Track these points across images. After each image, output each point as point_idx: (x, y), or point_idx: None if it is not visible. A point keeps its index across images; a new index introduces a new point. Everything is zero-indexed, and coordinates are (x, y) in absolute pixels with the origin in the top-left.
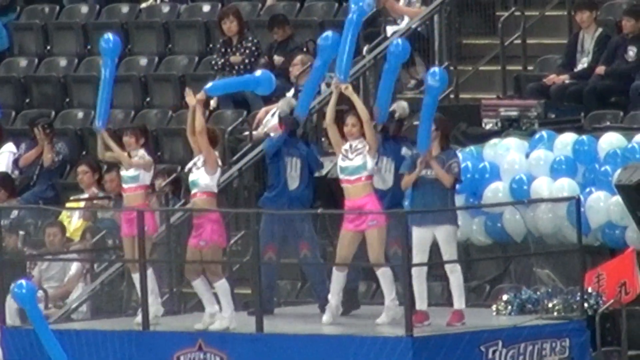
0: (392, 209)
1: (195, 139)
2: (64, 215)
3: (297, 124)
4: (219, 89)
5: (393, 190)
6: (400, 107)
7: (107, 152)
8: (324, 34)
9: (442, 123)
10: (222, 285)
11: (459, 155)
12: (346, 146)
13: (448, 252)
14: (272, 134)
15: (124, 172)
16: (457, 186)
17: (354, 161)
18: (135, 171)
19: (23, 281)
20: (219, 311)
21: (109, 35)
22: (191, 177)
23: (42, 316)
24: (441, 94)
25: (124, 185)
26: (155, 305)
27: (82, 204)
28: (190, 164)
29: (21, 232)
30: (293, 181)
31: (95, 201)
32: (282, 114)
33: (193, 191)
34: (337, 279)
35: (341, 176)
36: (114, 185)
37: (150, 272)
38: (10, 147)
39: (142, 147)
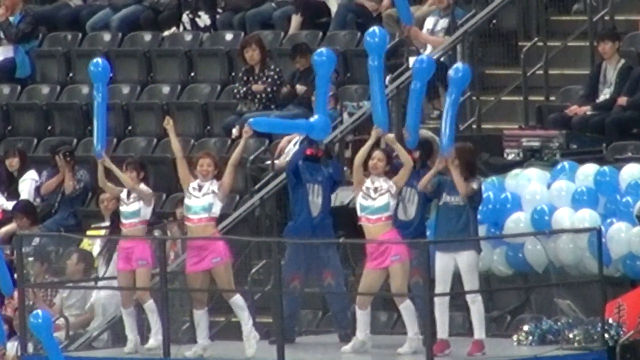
0: (415, 237)
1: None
2: (85, 243)
3: (316, 142)
4: (264, 126)
5: (417, 220)
6: (430, 137)
7: (109, 183)
8: (318, 51)
9: (463, 153)
10: (238, 301)
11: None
12: (368, 184)
13: (470, 281)
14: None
15: (124, 208)
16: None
17: (377, 201)
18: (137, 206)
19: (39, 311)
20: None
21: (98, 60)
22: (197, 202)
23: (57, 346)
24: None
25: (124, 221)
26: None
27: (102, 232)
28: (190, 188)
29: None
30: (314, 207)
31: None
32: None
33: (200, 216)
34: (361, 317)
35: (361, 214)
36: (111, 205)
37: (150, 304)
38: (32, 174)
39: (142, 182)
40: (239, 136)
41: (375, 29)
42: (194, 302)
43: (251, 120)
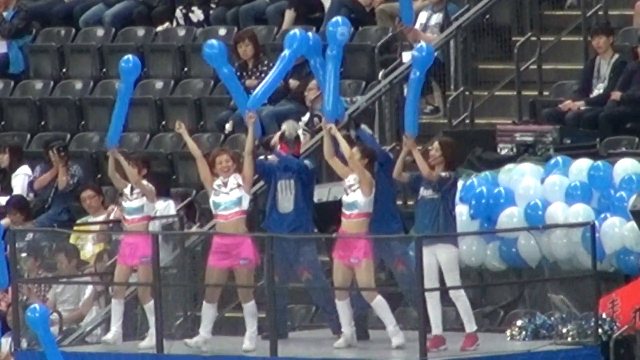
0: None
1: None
2: (73, 238)
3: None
4: (261, 98)
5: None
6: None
7: (117, 173)
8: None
9: (446, 147)
10: (252, 307)
11: (474, 181)
12: (350, 180)
13: (451, 277)
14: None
15: (127, 204)
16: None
17: (349, 197)
18: (139, 202)
19: (36, 305)
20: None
21: (129, 57)
22: (226, 198)
23: (53, 341)
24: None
25: (127, 217)
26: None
27: (97, 227)
28: (215, 185)
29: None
30: (287, 203)
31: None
32: (289, 137)
33: (232, 211)
34: (342, 309)
35: (342, 209)
36: (93, 202)
37: (151, 305)
38: (25, 169)
39: (144, 179)
40: (233, 131)
41: (338, 18)
42: (207, 294)
43: (248, 105)
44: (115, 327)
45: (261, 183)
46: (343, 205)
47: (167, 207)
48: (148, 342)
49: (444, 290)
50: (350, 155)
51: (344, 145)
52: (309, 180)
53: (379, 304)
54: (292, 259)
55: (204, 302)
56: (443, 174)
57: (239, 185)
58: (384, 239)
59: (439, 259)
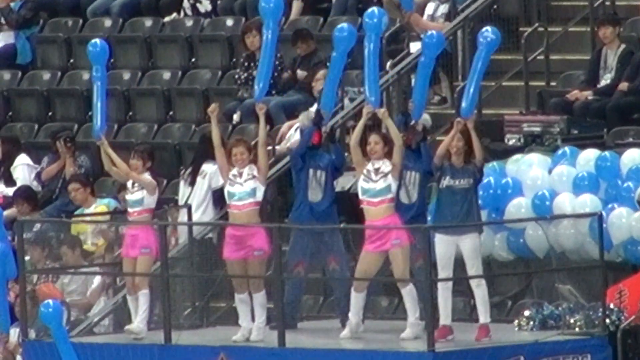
0: (416, 220)
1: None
2: (74, 229)
3: (322, 119)
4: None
5: (418, 203)
6: (423, 119)
7: (114, 168)
8: (339, 25)
9: (467, 137)
10: (262, 297)
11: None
12: (369, 167)
13: (474, 265)
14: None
15: (128, 196)
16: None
17: (378, 184)
18: (140, 195)
19: (50, 301)
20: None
21: (97, 41)
22: (241, 189)
23: (66, 336)
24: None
25: (129, 210)
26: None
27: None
28: (231, 175)
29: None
30: (315, 193)
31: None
32: (302, 127)
33: (245, 202)
34: (357, 299)
35: (362, 197)
36: (78, 195)
37: (145, 292)
38: (23, 159)
39: (147, 171)
40: (240, 121)
41: (374, 9)
42: (235, 287)
43: (256, 97)
44: (141, 317)
45: (270, 173)
46: (367, 194)
47: (216, 170)
48: (136, 327)
49: (454, 280)
50: (400, 143)
51: (395, 131)
52: (337, 172)
53: (410, 293)
54: (315, 248)
55: (235, 294)
56: (478, 163)
57: (253, 177)
58: (395, 229)
59: (462, 248)
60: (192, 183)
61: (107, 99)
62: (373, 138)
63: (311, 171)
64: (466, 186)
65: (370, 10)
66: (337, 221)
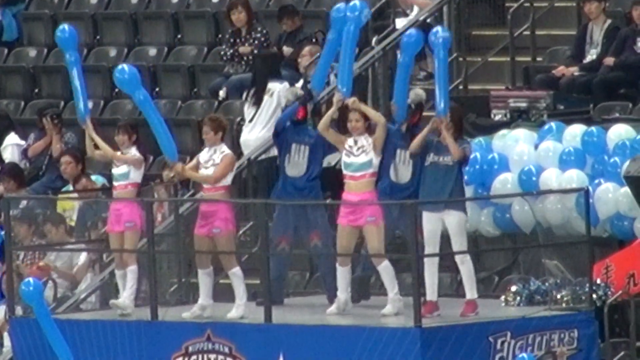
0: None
1: None
2: (60, 206)
3: (311, 97)
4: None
5: (413, 183)
6: (414, 94)
7: (97, 150)
8: (337, 6)
9: (454, 112)
10: (237, 273)
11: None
12: (350, 142)
13: (458, 242)
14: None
15: (114, 169)
16: (465, 169)
17: (359, 158)
18: (126, 168)
19: (30, 279)
20: (210, 305)
21: (64, 26)
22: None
23: (48, 313)
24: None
25: (114, 183)
26: (127, 301)
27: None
28: (206, 157)
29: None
30: (297, 168)
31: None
32: (288, 103)
33: (209, 186)
34: (342, 274)
35: (345, 171)
36: (69, 168)
37: (134, 268)
38: (13, 138)
39: (134, 144)
40: (226, 98)
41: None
42: (197, 262)
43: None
44: (129, 292)
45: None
46: (349, 168)
47: (283, 87)
48: (124, 301)
49: (437, 256)
50: (383, 121)
51: (373, 113)
52: (322, 147)
53: (386, 269)
54: (298, 223)
55: (198, 270)
56: (467, 150)
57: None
58: (384, 204)
59: (447, 224)
60: (258, 102)
61: (85, 82)
62: (353, 115)
63: (294, 146)
64: (450, 163)
65: (352, 2)
66: (320, 196)
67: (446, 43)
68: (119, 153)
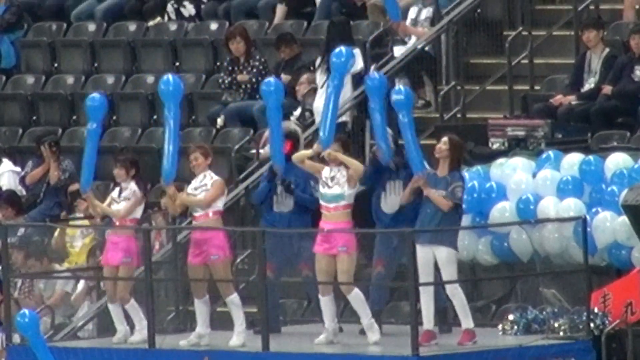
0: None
1: None
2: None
3: (275, 174)
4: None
5: (407, 213)
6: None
7: (98, 209)
8: (266, 80)
9: (454, 144)
10: (234, 300)
11: (466, 176)
12: (326, 172)
13: (448, 274)
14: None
15: (114, 206)
16: (462, 209)
17: (332, 190)
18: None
19: (26, 310)
20: (207, 333)
21: (96, 95)
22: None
23: (45, 344)
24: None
25: (115, 219)
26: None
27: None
28: (196, 184)
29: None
30: (285, 204)
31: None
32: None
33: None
34: (326, 304)
35: (321, 201)
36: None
37: (133, 303)
38: (7, 165)
39: (132, 179)
40: (224, 125)
41: (342, 49)
42: (193, 291)
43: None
44: (121, 327)
45: (253, 177)
46: (323, 198)
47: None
48: (139, 337)
49: (436, 285)
50: (360, 170)
51: (351, 162)
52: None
53: (356, 297)
54: (289, 253)
55: (195, 299)
56: (459, 194)
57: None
58: (372, 233)
59: (437, 257)
60: (330, 69)
61: (97, 156)
62: (332, 147)
63: (279, 187)
64: (443, 195)
65: (338, 49)
66: (309, 226)
67: (408, 101)
68: (121, 208)
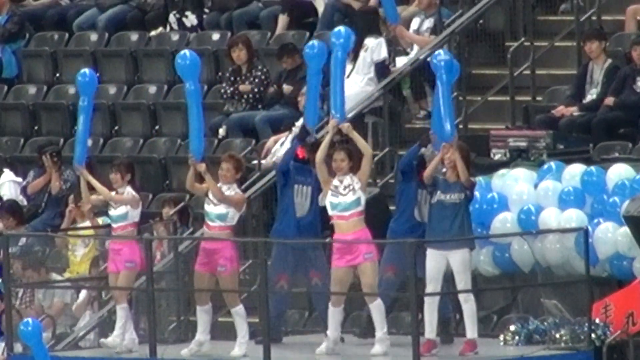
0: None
1: None
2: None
3: (308, 134)
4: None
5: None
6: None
7: (92, 195)
8: (310, 43)
9: (461, 150)
10: (239, 311)
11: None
12: (335, 182)
13: (462, 280)
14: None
15: (112, 212)
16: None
17: (347, 197)
18: (124, 209)
19: (29, 319)
20: (207, 341)
21: (86, 70)
22: (217, 210)
23: (46, 353)
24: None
25: (113, 225)
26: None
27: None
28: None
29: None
30: (301, 209)
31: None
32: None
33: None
34: (334, 314)
35: (332, 212)
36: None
37: (124, 306)
38: (8, 176)
39: (128, 184)
40: (226, 136)
41: (341, 28)
42: (196, 299)
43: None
44: (118, 331)
45: (255, 188)
46: (337, 208)
47: (378, 43)
48: (113, 340)
49: (437, 295)
50: (370, 153)
51: (362, 142)
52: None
53: (378, 308)
54: (298, 262)
55: (197, 307)
56: (472, 178)
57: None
58: (383, 243)
59: (451, 263)
60: (355, 58)
61: (90, 129)
62: (338, 155)
63: (296, 187)
64: (456, 201)
65: (337, 29)
66: (320, 236)
67: (448, 66)
68: (114, 194)
